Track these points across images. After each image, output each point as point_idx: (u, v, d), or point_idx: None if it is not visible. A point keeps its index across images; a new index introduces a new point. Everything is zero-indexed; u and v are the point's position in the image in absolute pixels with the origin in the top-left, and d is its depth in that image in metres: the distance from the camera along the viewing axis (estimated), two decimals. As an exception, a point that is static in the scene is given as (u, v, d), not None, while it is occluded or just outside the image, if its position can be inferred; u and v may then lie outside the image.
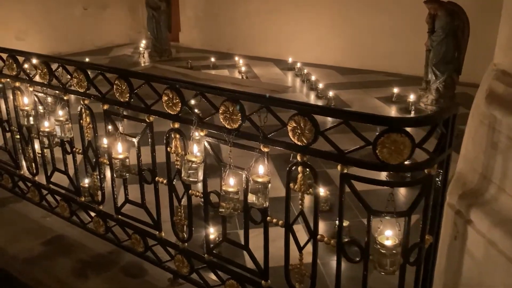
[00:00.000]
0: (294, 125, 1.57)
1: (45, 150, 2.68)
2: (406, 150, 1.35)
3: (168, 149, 2.07)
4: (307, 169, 1.63)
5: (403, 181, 2.83)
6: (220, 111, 1.77)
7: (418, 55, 6.20)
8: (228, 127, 1.77)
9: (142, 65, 8.01)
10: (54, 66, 2.51)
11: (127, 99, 2.12)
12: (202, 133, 1.90)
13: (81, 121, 2.38)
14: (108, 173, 2.43)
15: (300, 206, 1.69)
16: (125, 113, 2.20)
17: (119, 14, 9.85)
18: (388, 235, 1.49)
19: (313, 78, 6.20)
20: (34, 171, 2.84)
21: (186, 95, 1.97)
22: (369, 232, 1.50)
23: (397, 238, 1.49)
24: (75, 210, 2.65)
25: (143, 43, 9.09)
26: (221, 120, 1.78)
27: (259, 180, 1.69)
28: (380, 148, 1.39)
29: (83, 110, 2.35)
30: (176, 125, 2.00)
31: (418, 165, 1.45)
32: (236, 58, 7.70)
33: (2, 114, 2.92)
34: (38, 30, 8.47)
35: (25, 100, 2.59)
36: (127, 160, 2.16)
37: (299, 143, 1.59)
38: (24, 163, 2.90)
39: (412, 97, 5.12)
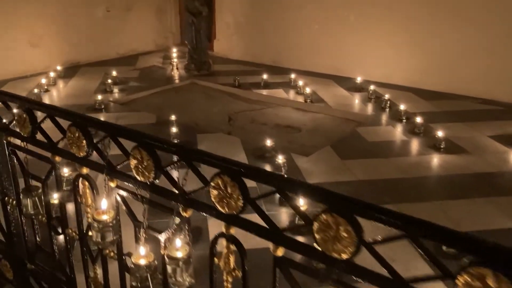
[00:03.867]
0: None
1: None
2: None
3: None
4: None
5: None
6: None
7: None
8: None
9: (177, 81, 6.95)
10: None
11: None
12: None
13: (221, 261, 1.34)
14: None
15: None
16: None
17: (144, 17, 8.82)
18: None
19: (402, 107, 5.13)
20: (104, 304, 1.80)
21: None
22: None
23: None
24: None
25: (174, 52, 8.07)
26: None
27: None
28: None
29: (226, 247, 1.31)
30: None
31: None
32: (293, 76, 6.65)
33: (53, 206, 1.89)
34: (55, 34, 7.45)
35: (103, 204, 1.55)
36: None
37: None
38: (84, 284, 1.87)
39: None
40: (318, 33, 7.27)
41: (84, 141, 1.56)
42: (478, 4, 5.86)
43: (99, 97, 5.43)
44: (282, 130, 5.08)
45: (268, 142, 4.01)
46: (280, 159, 3.63)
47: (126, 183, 1.52)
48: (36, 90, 5.74)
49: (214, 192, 1.22)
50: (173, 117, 4.70)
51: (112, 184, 1.54)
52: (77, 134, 1.57)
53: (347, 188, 3.50)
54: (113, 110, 5.42)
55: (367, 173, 3.75)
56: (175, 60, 7.56)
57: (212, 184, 1.21)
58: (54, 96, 6.01)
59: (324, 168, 3.84)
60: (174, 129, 4.36)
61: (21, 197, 1.91)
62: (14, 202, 2.01)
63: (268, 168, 3.82)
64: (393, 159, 4.08)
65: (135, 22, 8.62)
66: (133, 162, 1.42)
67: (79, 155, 1.60)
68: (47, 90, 6.11)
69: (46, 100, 5.81)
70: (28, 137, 1.79)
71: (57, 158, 1.74)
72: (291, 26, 7.56)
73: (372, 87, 5.99)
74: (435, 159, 4.12)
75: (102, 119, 5.06)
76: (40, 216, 1.90)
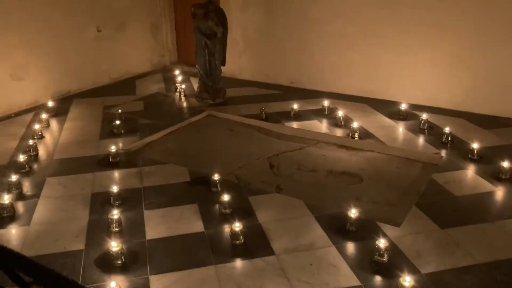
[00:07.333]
0: None
1: None
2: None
3: None
4: None
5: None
6: None
7: None
8: None
9: (191, 114, 6.11)
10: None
11: None
12: None
13: None
14: None
15: None
16: None
17: (138, 34, 7.92)
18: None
19: (475, 145, 4.48)
20: None
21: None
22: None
23: None
24: None
25: (178, 76, 7.23)
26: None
27: None
28: None
29: None
30: None
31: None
32: (326, 103, 5.92)
33: None
34: (41, 63, 6.48)
35: None
36: None
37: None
38: None
39: None
40: (347, 49, 6.57)
41: None
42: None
43: (113, 147, 4.55)
44: (339, 180, 4.36)
45: (353, 213, 3.28)
46: (382, 243, 2.91)
47: None
48: (31, 142, 4.77)
49: None
50: (216, 177, 3.91)
51: None
52: None
53: (473, 279, 2.81)
54: (131, 163, 4.54)
55: (484, 251, 3.06)
56: (182, 86, 6.73)
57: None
58: (52, 146, 5.04)
59: (428, 246, 3.13)
60: (225, 197, 3.56)
61: None
62: None
63: (360, 252, 3.09)
64: (502, 223, 3.40)
65: (128, 40, 7.71)
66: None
67: None
68: (41, 137, 5.16)
69: (42, 150, 4.83)
70: None
71: None
72: (314, 42, 6.83)
73: (424, 115, 5.33)
74: (551, 220, 3.49)
75: (117, 175, 4.23)
76: None
